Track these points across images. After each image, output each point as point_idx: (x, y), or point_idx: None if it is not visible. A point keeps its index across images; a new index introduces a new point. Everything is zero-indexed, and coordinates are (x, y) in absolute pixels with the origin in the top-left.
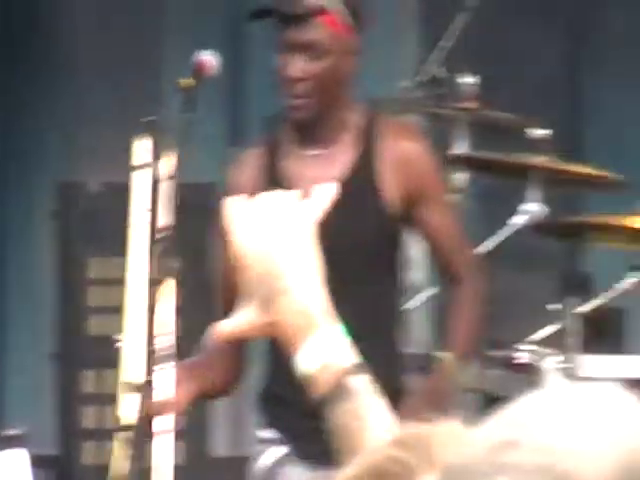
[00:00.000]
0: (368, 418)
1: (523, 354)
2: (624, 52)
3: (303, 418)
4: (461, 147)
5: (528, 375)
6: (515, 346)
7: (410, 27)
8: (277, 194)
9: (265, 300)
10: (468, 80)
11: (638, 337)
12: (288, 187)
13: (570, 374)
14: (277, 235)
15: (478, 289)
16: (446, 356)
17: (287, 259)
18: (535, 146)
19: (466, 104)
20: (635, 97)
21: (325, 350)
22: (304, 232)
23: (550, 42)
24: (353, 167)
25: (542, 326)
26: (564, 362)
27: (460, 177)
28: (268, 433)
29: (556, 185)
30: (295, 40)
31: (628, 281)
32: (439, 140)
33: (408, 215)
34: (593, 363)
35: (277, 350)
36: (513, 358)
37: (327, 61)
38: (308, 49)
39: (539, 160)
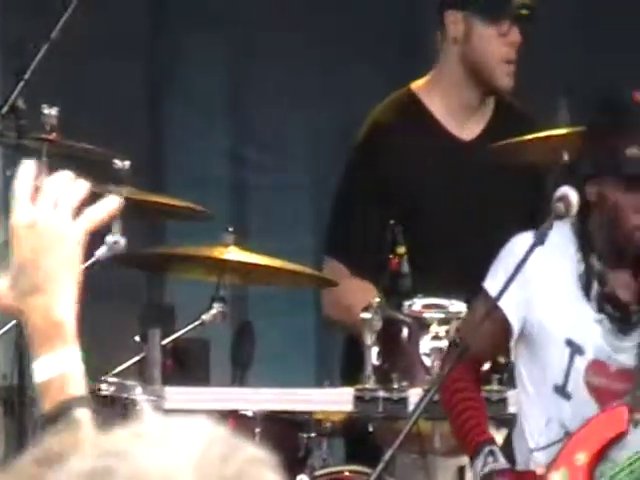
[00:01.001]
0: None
1: (107, 386)
2: (204, 82)
3: None
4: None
5: (113, 407)
6: (99, 378)
7: None
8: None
9: (25, 287)
10: (49, 111)
11: (223, 368)
12: None
13: (155, 406)
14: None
15: None
16: None
17: (57, 264)
18: (118, 177)
19: (47, 135)
20: (218, 126)
21: (64, 370)
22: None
23: (132, 74)
24: None
25: (127, 358)
26: (149, 394)
27: None
28: None
29: (139, 216)
30: None
31: (212, 312)
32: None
33: None
34: (178, 395)
35: None
36: (97, 390)
37: None
38: None
39: (122, 191)
